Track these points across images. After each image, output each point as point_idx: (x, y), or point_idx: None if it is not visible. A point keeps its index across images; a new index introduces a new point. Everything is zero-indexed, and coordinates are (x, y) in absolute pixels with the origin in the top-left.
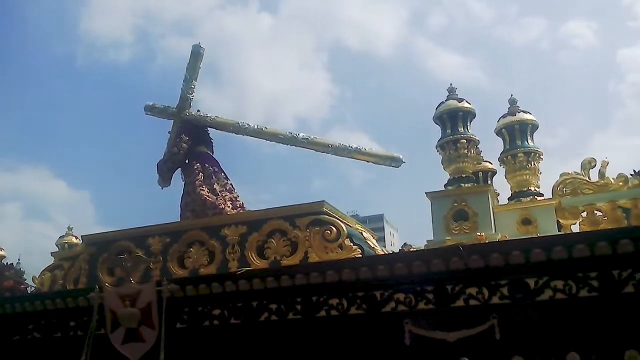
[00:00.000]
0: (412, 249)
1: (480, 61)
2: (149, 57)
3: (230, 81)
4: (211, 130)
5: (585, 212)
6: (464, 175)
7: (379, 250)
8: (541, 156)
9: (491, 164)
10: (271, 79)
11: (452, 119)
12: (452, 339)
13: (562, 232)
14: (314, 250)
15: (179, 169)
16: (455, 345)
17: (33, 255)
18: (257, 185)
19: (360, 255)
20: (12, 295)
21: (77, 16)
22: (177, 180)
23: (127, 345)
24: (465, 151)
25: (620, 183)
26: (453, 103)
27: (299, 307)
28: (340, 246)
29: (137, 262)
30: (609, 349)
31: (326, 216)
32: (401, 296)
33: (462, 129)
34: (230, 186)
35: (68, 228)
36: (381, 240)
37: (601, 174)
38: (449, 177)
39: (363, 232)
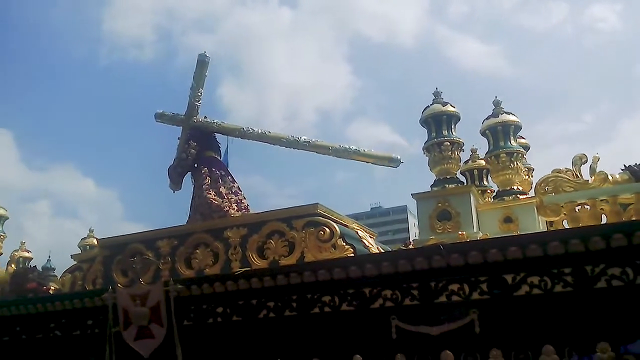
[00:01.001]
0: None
1: (502, 48)
2: (170, 55)
3: (252, 76)
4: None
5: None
6: (448, 177)
7: (374, 249)
8: (524, 155)
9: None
10: (292, 72)
11: (437, 123)
12: (435, 333)
13: (546, 230)
14: (310, 250)
15: (189, 173)
16: (439, 339)
17: (64, 252)
18: (283, 180)
19: (353, 254)
20: (35, 296)
21: (99, 17)
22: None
23: (139, 341)
24: (449, 153)
25: (600, 181)
26: (437, 107)
27: (294, 304)
28: (334, 246)
29: (146, 263)
30: (582, 342)
31: (320, 217)
32: (388, 293)
33: (446, 132)
34: (237, 189)
35: (90, 230)
36: (404, 231)
37: (592, 170)
38: (435, 178)
39: (359, 231)
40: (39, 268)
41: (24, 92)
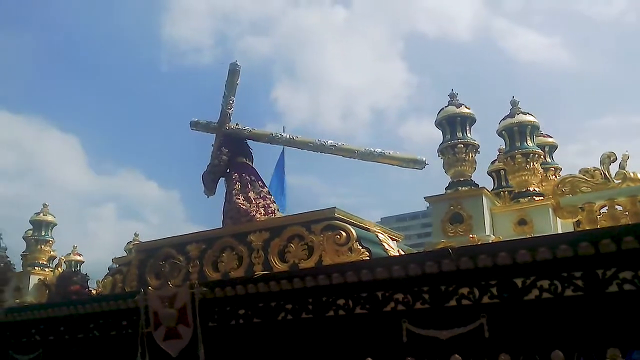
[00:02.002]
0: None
1: (562, 39)
2: (227, 59)
3: (306, 77)
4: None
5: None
6: (462, 179)
7: (394, 252)
8: (541, 156)
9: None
10: (347, 72)
11: (451, 125)
12: (444, 337)
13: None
14: (327, 253)
15: (222, 178)
16: (448, 343)
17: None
18: (335, 179)
19: (368, 258)
20: (78, 298)
21: (159, 22)
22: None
23: (168, 341)
24: (464, 155)
25: (619, 181)
26: (451, 109)
27: (310, 307)
28: (350, 249)
29: (174, 267)
30: (591, 347)
31: (337, 222)
32: (400, 296)
33: (460, 134)
34: (266, 193)
35: (135, 234)
36: None
37: (621, 168)
38: (449, 180)
39: (379, 234)
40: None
41: (90, 98)
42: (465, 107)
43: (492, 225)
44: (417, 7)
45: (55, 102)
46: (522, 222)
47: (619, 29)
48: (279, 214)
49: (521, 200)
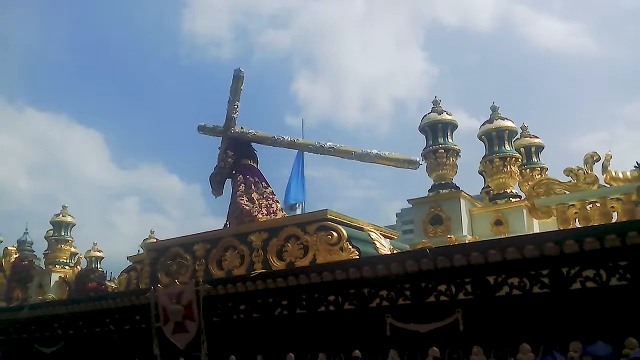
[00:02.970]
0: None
1: (585, 26)
2: (247, 52)
3: (326, 69)
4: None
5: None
6: (443, 182)
7: (384, 250)
8: (518, 160)
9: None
10: (367, 63)
11: (433, 131)
12: (424, 331)
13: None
14: (320, 253)
15: (229, 179)
16: (427, 336)
17: None
18: (359, 171)
19: (357, 257)
20: (95, 294)
21: (179, 18)
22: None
23: (176, 335)
24: (444, 160)
25: (590, 183)
26: (433, 116)
27: (304, 303)
28: (341, 248)
29: (180, 266)
30: (555, 341)
31: (330, 222)
32: (384, 293)
33: (441, 139)
34: (269, 193)
35: (150, 231)
36: None
37: (604, 168)
38: (432, 183)
39: (372, 234)
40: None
41: (112, 94)
42: (447, 113)
43: (471, 226)
44: None
45: (78, 99)
46: (498, 223)
47: None
48: (280, 214)
49: (498, 201)
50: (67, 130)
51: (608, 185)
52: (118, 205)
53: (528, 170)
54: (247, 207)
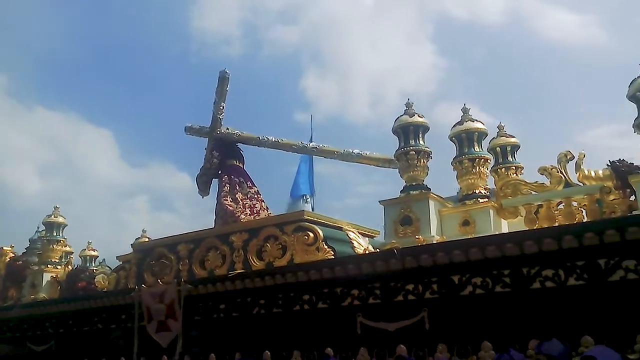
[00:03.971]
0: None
1: (597, 17)
2: (256, 49)
3: (334, 65)
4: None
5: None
6: (414, 184)
7: (361, 249)
8: (487, 161)
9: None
10: (375, 57)
11: (405, 133)
12: (392, 329)
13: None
14: (297, 253)
15: (216, 179)
16: (395, 334)
17: None
18: (369, 167)
19: (333, 257)
20: (84, 294)
21: (188, 16)
22: None
23: (159, 333)
24: (415, 162)
25: (555, 183)
26: (405, 118)
27: (280, 302)
28: (317, 248)
29: (163, 266)
30: (516, 338)
31: (306, 223)
32: (356, 292)
33: (413, 141)
34: (254, 193)
35: (142, 230)
36: None
37: (577, 167)
38: (404, 185)
39: (350, 233)
40: None
41: (121, 93)
42: (419, 116)
43: (441, 227)
44: None
45: (88, 97)
46: (465, 223)
47: None
48: (264, 213)
49: (467, 202)
50: (77, 129)
51: (581, 184)
52: (129, 203)
53: (503, 169)
54: (231, 208)
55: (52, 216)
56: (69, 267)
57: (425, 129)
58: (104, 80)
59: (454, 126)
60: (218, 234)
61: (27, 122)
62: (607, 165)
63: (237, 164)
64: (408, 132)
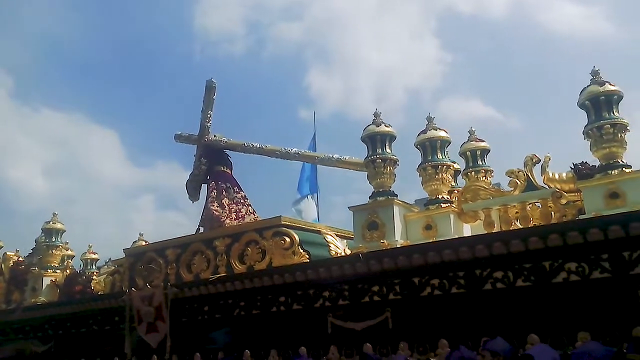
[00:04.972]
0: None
1: (603, 9)
2: (260, 47)
3: (339, 61)
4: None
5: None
6: (381, 190)
7: (338, 252)
8: (451, 167)
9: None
10: (380, 52)
11: (372, 142)
12: (359, 328)
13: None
14: (275, 256)
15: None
16: (362, 333)
17: None
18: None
19: (308, 260)
20: (81, 297)
21: (191, 15)
22: None
23: (149, 335)
24: (382, 169)
25: (512, 188)
26: (372, 128)
27: (259, 304)
28: (294, 252)
29: (151, 270)
30: (470, 336)
31: (284, 228)
32: (327, 294)
33: (380, 150)
34: (240, 198)
35: (139, 234)
36: None
37: (542, 169)
38: (373, 191)
39: (327, 237)
40: None
41: (126, 93)
42: (385, 125)
43: (406, 231)
44: None
45: (93, 98)
46: (428, 227)
47: None
48: (249, 218)
49: (430, 207)
50: (83, 130)
51: (547, 187)
52: (134, 203)
53: (473, 172)
54: (217, 213)
55: (51, 222)
56: (68, 270)
57: (391, 137)
58: (109, 81)
59: (418, 135)
60: (203, 239)
61: (33, 123)
62: (570, 168)
63: (225, 170)
64: (375, 140)
